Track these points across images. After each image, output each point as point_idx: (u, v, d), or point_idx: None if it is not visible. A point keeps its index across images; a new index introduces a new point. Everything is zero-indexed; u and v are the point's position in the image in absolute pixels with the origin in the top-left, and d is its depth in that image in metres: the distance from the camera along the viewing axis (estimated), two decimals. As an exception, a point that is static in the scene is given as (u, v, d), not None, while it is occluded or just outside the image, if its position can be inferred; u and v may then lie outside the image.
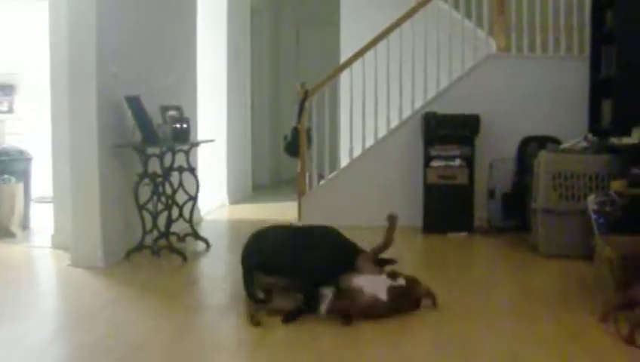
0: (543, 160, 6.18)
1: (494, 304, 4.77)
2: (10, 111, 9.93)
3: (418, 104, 7.80)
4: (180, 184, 6.63)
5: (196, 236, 6.72)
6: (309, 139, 7.90)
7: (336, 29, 9.62)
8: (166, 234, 6.15)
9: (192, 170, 6.75)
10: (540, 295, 4.99)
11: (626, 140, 5.67)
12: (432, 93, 7.79)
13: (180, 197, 6.58)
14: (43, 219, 7.41)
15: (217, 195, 9.26)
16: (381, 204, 7.09)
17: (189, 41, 7.81)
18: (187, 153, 6.65)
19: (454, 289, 5.02)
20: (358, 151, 7.98)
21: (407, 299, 4.43)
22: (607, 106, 6.81)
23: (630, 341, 3.77)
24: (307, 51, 12.64)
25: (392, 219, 4.74)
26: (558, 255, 5.99)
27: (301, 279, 4.42)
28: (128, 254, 6.05)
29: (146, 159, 6.01)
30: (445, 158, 7.23)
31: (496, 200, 7.36)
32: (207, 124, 8.54)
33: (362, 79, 7.79)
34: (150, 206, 6.14)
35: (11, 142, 8.50)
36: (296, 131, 7.86)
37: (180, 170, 6.57)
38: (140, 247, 6.09)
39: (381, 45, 7.73)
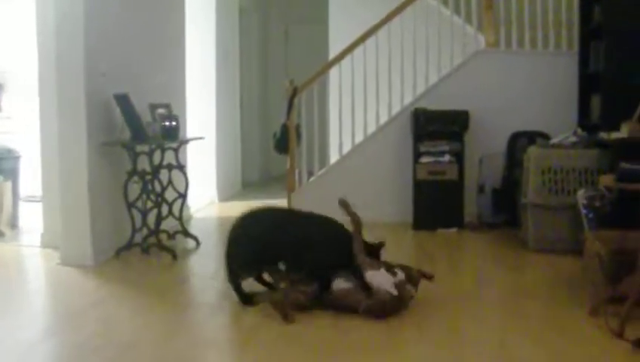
0: (533, 155, 6.19)
1: (484, 299, 4.78)
2: (-2, 109, 9.90)
3: (407, 100, 7.81)
4: (170, 182, 6.62)
5: (186, 233, 6.71)
6: (299, 136, 7.89)
7: (325, 26, 9.61)
8: (156, 231, 6.14)
9: (182, 168, 6.73)
10: (529, 289, 5.01)
11: (615, 135, 5.68)
12: (421, 89, 7.80)
13: (170, 194, 6.56)
14: (32, 218, 7.38)
15: (207, 193, 9.24)
16: (371, 200, 7.11)
17: (177, 39, 7.79)
18: (176, 151, 6.63)
19: (444, 284, 5.02)
20: (347, 148, 7.97)
21: (408, 291, 4.47)
22: (596, 101, 6.82)
23: (619, 334, 3.78)
24: (296, 49, 12.62)
25: (342, 203, 4.75)
26: (547, 250, 6.01)
27: (307, 271, 4.47)
28: (118, 252, 6.04)
29: (135, 157, 6.00)
30: (435, 154, 7.23)
31: (486, 196, 7.38)
32: (196, 121, 8.52)
33: (351, 75, 7.79)
34: (139, 204, 6.13)
35: (-1, 140, 8.47)
36: (285, 128, 7.84)
37: (169, 167, 6.55)
38: (129, 245, 6.08)
39: (370, 41, 7.72)
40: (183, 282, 5.46)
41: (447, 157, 7.22)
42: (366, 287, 4.31)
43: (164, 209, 6.44)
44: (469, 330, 4.07)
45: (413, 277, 4.53)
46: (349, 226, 4.68)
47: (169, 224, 6.64)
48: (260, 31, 12.25)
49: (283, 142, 7.87)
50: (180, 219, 6.75)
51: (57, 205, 5.90)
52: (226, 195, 9.74)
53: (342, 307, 4.33)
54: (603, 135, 5.96)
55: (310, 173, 8.14)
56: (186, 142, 7.07)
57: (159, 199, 6.22)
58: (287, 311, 4.21)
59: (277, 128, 8.06)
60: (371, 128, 7.91)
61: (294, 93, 7.75)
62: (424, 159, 7.25)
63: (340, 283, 4.38)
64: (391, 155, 7.76)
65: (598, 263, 4.59)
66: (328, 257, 4.51)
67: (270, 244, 4.54)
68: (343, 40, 8.11)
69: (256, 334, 4.03)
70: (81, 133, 5.69)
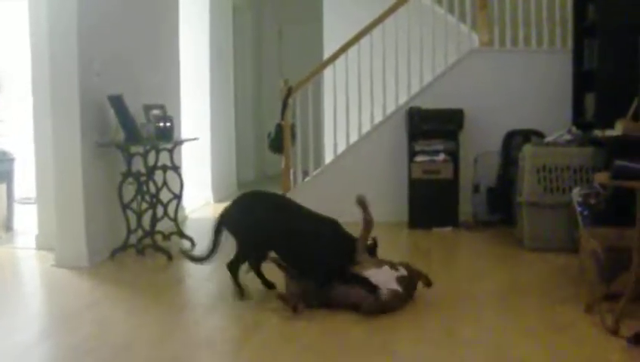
0: (528, 153, 6.19)
1: (480, 297, 4.78)
2: (-8, 111, 9.87)
3: (402, 99, 7.80)
4: (164, 182, 6.61)
5: (181, 234, 6.70)
6: (293, 136, 7.88)
7: (319, 25, 9.60)
8: (151, 233, 6.13)
9: (176, 169, 6.72)
10: (525, 287, 5.01)
11: (610, 132, 5.68)
12: (415, 89, 7.79)
13: (165, 195, 6.56)
14: (26, 220, 7.37)
15: (202, 193, 9.23)
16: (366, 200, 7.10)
17: (171, 39, 7.78)
18: (171, 151, 6.63)
19: (440, 283, 5.02)
20: (342, 147, 7.97)
21: (411, 286, 4.49)
22: (590, 99, 6.82)
23: (615, 331, 3.79)
24: (290, 48, 12.60)
25: (360, 201, 4.71)
26: (543, 248, 6.01)
27: (307, 270, 4.48)
28: (113, 253, 6.02)
29: (129, 158, 5.99)
30: (430, 153, 7.23)
31: (481, 195, 7.38)
32: (190, 122, 8.52)
33: (346, 75, 7.78)
34: (134, 205, 6.12)
35: (-6, 143, 8.45)
36: (279, 128, 7.84)
37: (164, 168, 6.54)
38: (124, 246, 6.07)
39: (364, 41, 7.72)
40: (179, 283, 5.45)
41: (442, 156, 7.22)
42: (366, 285, 4.30)
43: (159, 210, 6.43)
44: (466, 329, 4.07)
45: (414, 276, 4.54)
46: (346, 225, 4.68)
47: (164, 225, 6.63)
48: (253, 30, 12.24)
49: (277, 142, 7.87)
50: (175, 220, 6.74)
51: (52, 207, 5.89)
52: (221, 196, 9.71)
53: (340, 306, 4.33)
54: (597, 133, 5.97)
55: (305, 173, 8.14)
56: (180, 143, 7.06)
57: (154, 200, 6.22)
58: (299, 303, 4.26)
59: (271, 128, 8.05)
60: (366, 128, 7.91)
61: (289, 92, 7.75)
62: (419, 158, 7.25)
63: (340, 285, 4.38)
64: (386, 155, 7.76)
65: (594, 261, 4.59)
66: (323, 254, 4.50)
67: (265, 229, 4.59)
68: (338, 39, 8.10)
69: (253, 334, 4.02)
70: (75, 134, 5.68)
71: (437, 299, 4.64)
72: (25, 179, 7.88)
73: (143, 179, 6.08)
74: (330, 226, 4.71)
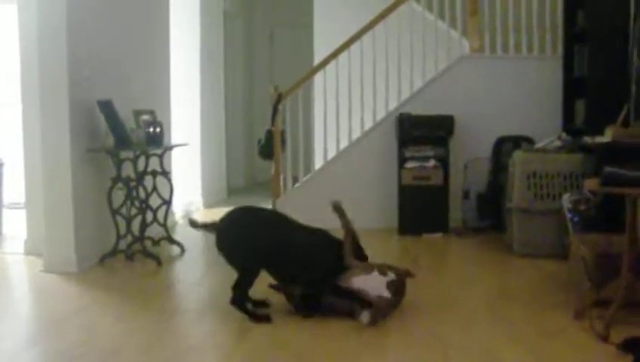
0: (518, 160, 6.20)
1: (469, 303, 4.77)
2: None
3: (392, 105, 7.81)
4: (154, 188, 6.59)
5: (171, 240, 6.68)
6: (283, 142, 7.88)
7: (310, 31, 9.61)
8: (140, 238, 6.11)
9: (166, 174, 6.71)
10: (515, 294, 5.00)
11: (600, 139, 5.69)
12: (406, 95, 7.80)
13: (154, 201, 6.55)
14: (15, 225, 7.34)
15: (192, 199, 9.21)
16: (356, 206, 7.07)
17: (161, 45, 7.76)
18: (161, 157, 6.61)
19: (429, 289, 5.02)
20: (332, 153, 7.97)
21: (401, 291, 4.47)
22: (580, 105, 6.84)
23: (605, 338, 3.78)
24: (281, 54, 12.63)
25: (336, 207, 4.64)
26: (533, 254, 6.02)
27: (300, 279, 4.43)
28: (102, 259, 6.01)
29: (119, 163, 5.98)
30: (420, 159, 7.24)
31: (471, 201, 7.39)
32: (181, 127, 8.50)
33: (336, 81, 7.79)
34: (124, 210, 6.10)
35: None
36: (269, 134, 7.83)
37: (154, 173, 6.52)
38: (114, 252, 6.06)
39: (355, 47, 7.73)
40: (168, 289, 5.43)
41: (432, 163, 7.22)
42: (360, 301, 4.29)
43: (149, 215, 6.42)
44: (455, 335, 4.06)
45: (402, 276, 4.53)
46: (334, 231, 4.65)
47: (154, 231, 6.61)
48: (244, 35, 12.25)
49: (268, 148, 7.86)
50: (164, 225, 6.73)
51: (41, 212, 5.86)
52: (211, 201, 9.71)
53: (333, 312, 4.32)
54: (587, 139, 5.98)
55: (295, 179, 8.13)
56: (170, 148, 7.05)
57: (144, 205, 6.21)
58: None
59: (262, 134, 8.04)
60: (356, 134, 7.91)
61: (279, 98, 7.74)
62: (409, 164, 7.25)
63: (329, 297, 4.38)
64: (376, 161, 7.76)
65: (583, 267, 4.60)
66: (313, 265, 4.45)
67: (263, 248, 4.41)
68: (328, 44, 8.11)
69: (243, 340, 4.01)
70: (64, 139, 5.66)
71: (427, 304, 4.64)
72: (14, 184, 7.85)
73: (133, 184, 6.06)
74: (321, 235, 4.63)
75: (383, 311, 4.27)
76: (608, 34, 6.34)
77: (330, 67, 7.81)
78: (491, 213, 7.18)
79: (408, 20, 7.76)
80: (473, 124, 7.53)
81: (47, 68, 5.67)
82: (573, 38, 7.09)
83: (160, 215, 6.69)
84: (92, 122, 5.99)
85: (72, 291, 5.21)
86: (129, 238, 6.12)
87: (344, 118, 7.86)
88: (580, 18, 6.89)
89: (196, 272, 5.93)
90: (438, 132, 7.27)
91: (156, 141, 6.35)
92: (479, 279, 5.51)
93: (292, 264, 4.42)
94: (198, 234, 7.63)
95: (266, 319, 4.31)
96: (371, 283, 4.33)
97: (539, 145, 6.49)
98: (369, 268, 4.45)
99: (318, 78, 8.13)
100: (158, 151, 6.56)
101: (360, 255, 4.61)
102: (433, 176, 7.23)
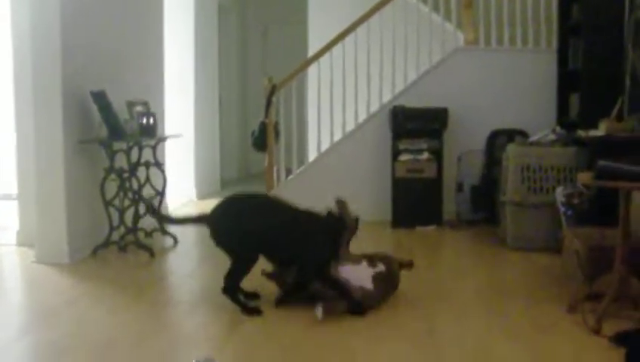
0: (512, 153, 6.20)
1: (463, 296, 4.77)
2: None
3: (386, 98, 7.80)
4: (147, 179, 6.58)
5: (164, 232, 6.67)
6: (277, 134, 7.86)
7: (304, 26, 9.60)
8: (133, 229, 6.10)
9: (159, 165, 6.70)
10: (508, 287, 5.01)
11: (593, 133, 5.69)
12: (400, 87, 7.80)
13: (147, 192, 6.53)
14: (7, 216, 7.30)
15: (185, 190, 9.21)
16: (349, 198, 7.05)
17: (155, 36, 7.73)
18: (154, 148, 6.60)
19: (423, 282, 5.02)
20: (326, 146, 7.96)
21: (389, 283, 4.46)
22: (574, 99, 6.84)
23: (597, 331, 3.79)
24: (275, 48, 12.62)
25: (340, 203, 4.63)
26: (526, 247, 6.03)
27: (295, 265, 4.40)
28: (95, 250, 5.99)
29: (112, 154, 5.96)
30: (413, 152, 7.23)
31: (465, 194, 7.40)
32: (174, 119, 8.49)
33: (330, 73, 7.77)
34: (117, 201, 6.09)
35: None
36: (263, 126, 7.82)
37: (147, 165, 6.51)
38: (106, 243, 6.04)
39: (349, 39, 7.71)
40: (161, 280, 5.42)
41: (425, 155, 7.22)
42: (341, 292, 4.28)
43: (142, 207, 6.40)
44: (448, 328, 4.06)
45: (395, 271, 4.53)
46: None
47: (147, 222, 6.59)
48: (238, 30, 12.24)
49: (261, 140, 7.84)
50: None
51: (33, 203, 5.84)
52: (204, 193, 9.70)
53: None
54: (581, 133, 5.98)
55: (289, 171, 8.12)
56: (163, 139, 7.03)
57: (137, 197, 6.19)
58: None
59: (256, 126, 8.02)
60: (350, 126, 7.90)
61: (273, 90, 7.73)
62: (403, 157, 7.24)
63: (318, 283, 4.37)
64: (369, 153, 7.76)
65: (577, 260, 4.61)
66: (310, 247, 4.40)
67: (258, 234, 4.35)
68: (322, 40, 8.07)
69: (235, 332, 4.00)
70: (57, 130, 5.64)
71: (419, 297, 4.64)
72: (6, 175, 7.81)
73: (126, 175, 6.05)
74: (318, 218, 4.57)
75: (365, 302, 4.26)
76: (603, 27, 6.34)
77: (324, 59, 7.79)
78: (485, 205, 7.19)
79: (403, 12, 7.75)
80: (467, 116, 7.53)
81: (40, 59, 5.64)
82: (567, 31, 7.09)
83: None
84: (85, 113, 5.97)
85: (64, 282, 5.20)
86: (122, 230, 6.11)
87: (338, 110, 7.85)
88: (575, 11, 6.89)
89: (189, 264, 5.92)
90: (432, 125, 7.26)
91: (149, 132, 6.33)
92: (473, 272, 5.51)
93: (289, 246, 4.38)
94: (190, 225, 7.65)
95: (256, 312, 4.30)
96: (356, 275, 4.33)
97: (533, 138, 6.49)
98: (358, 260, 4.44)
99: (312, 69, 8.12)
100: (152, 143, 6.55)
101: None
102: (427, 169, 7.23)
